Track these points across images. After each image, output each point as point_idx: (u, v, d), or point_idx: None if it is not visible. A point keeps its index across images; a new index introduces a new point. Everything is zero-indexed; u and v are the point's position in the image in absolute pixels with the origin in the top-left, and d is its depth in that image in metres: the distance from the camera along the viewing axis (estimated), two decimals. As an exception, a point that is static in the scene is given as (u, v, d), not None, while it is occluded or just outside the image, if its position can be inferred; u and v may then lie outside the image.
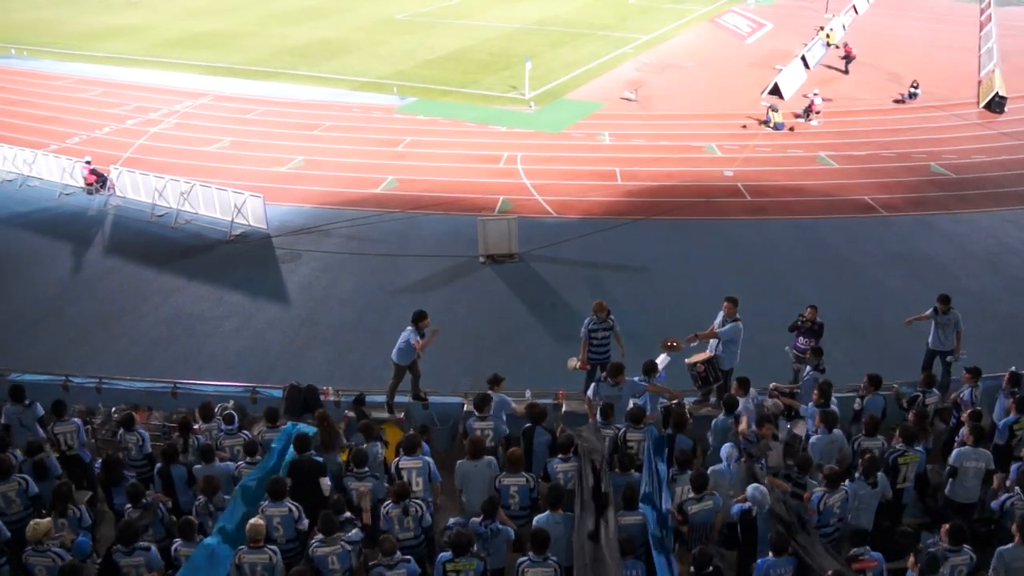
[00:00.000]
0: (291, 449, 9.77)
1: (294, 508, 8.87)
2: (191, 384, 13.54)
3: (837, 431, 10.26)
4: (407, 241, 21.04)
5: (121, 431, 10.82)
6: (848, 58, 36.50)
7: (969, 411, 10.47)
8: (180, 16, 52.06)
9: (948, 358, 13.27)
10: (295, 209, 22.87)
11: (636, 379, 11.31)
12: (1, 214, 23.84)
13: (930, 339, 13.41)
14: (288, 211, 22.68)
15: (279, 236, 21.33)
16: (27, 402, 11.14)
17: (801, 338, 13.36)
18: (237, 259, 20.60)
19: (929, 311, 13.28)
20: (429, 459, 9.74)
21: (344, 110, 31.23)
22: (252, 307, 18.39)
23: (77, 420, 11.16)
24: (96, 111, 32.71)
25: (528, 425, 10.40)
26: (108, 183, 24.30)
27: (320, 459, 9.76)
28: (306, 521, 8.92)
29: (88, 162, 24.73)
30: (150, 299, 18.79)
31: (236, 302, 18.61)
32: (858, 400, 11.35)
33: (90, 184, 24.46)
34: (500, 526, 8.73)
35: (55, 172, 25.12)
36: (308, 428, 10.23)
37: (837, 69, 36.47)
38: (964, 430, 10.08)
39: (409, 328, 12.24)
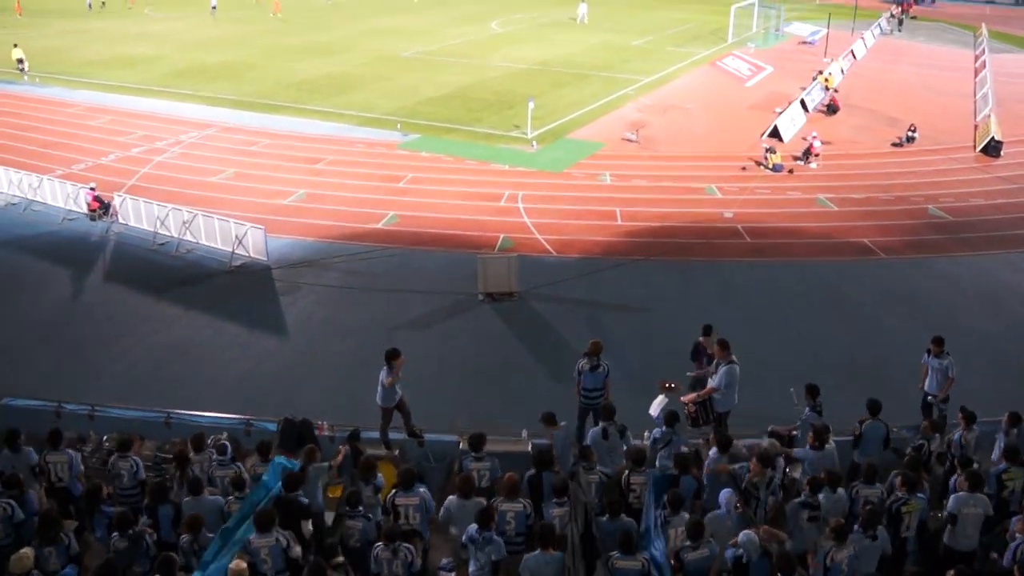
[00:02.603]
0: (279, 484, 9.65)
1: (282, 537, 8.74)
2: (185, 414, 13.45)
3: (841, 491, 9.90)
4: (407, 277, 21.02)
5: (113, 458, 10.69)
6: (832, 108, 36.82)
7: (958, 457, 10.42)
8: (190, 48, 52.81)
9: (929, 397, 13.27)
10: (296, 242, 22.90)
11: (658, 431, 11.26)
12: (4, 237, 23.93)
13: (926, 383, 13.38)
14: (289, 244, 22.71)
15: (279, 268, 21.32)
16: (17, 448, 10.80)
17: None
18: (236, 289, 20.56)
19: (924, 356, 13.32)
20: (424, 491, 9.66)
21: (348, 145, 31.42)
22: (249, 338, 18.33)
23: (71, 452, 10.97)
24: (103, 138, 32.97)
25: (533, 472, 10.18)
26: (111, 210, 24.37)
27: (306, 501, 9.64)
28: (298, 549, 8.80)
29: (92, 188, 24.84)
30: (147, 326, 18.74)
31: (233, 332, 18.56)
32: (857, 425, 11.30)
33: (93, 210, 24.56)
34: (494, 536, 8.70)
35: (59, 197, 25.27)
36: (295, 464, 10.12)
37: (832, 113, 36.77)
38: (959, 476, 9.98)
39: (384, 368, 12.30)
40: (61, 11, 74.40)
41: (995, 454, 11.22)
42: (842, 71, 44.90)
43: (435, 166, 28.95)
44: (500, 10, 71.48)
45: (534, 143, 31.06)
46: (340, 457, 11.01)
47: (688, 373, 14.06)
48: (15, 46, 45.44)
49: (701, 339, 14.19)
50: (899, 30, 63.53)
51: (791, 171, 28.68)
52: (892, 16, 65.97)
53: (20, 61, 44.51)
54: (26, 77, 43.81)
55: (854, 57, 49.73)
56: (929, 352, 13.29)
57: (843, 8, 64.77)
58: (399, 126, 33.33)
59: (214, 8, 72.19)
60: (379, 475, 10.28)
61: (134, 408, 13.74)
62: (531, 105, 32.09)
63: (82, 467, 11.24)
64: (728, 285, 20.62)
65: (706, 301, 19.13)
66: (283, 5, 68.94)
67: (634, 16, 68.11)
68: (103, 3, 77.42)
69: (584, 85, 41.06)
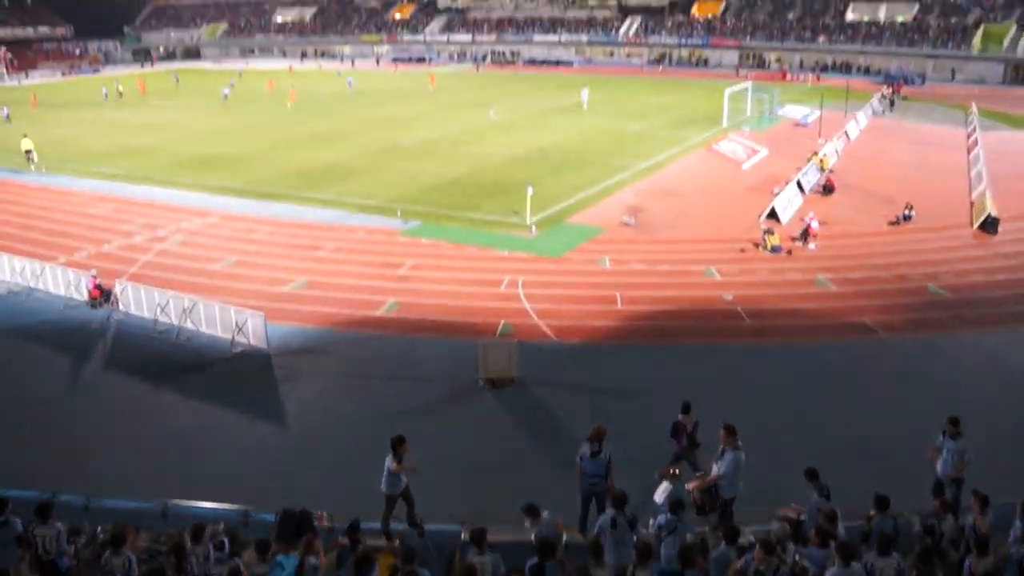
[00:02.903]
0: None
1: None
2: (182, 504, 13.23)
3: (856, 565, 9.55)
4: (407, 364, 20.93)
5: (107, 554, 10.39)
6: (828, 188, 37.30)
7: (973, 541, 10.19)
8: (193, 139, 53.98)
9: (941, 479, 13.03)
10: (296, 329, 22.88)
11: (663, 517, 10.98)
12: (5, 324, 24.01)
13: (939, 465, 13.14)
14: (289, 331, 22.68)
15: (279, 355, 21.25)
16: (3, 519, 10.67)
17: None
18: (236, 377, 20.46)
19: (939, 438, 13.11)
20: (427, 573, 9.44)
21: (348, 232, 31.70)
22: (248, 426, 18.15)
23: (60, 525, 10.69)
24: (106, 226, 33.35)
25: (535, 562, 9.85)
26: (112, 297, 24.49)
27: None
28: None
29: (94, 276, 25.03)
30: (145, 414, 18.58)
31: (233, 421, 18.39)
32: (865, 522, 11.07)
33: (95, 298, 24.68)
34: None
35: (61, 285, 25.52)
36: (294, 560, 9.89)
37: (828, 193, 37.17)
38: (972, 560, 9.74)
39: (389, 455, 12.22)
40: (78, 102, 76.94)
41: (1012, 538, 10.94)
42: (836, 152, 45.68)
43: (435, 252, 29.14)
44: (497, 98, 73.08)
45: (533, 228, 31.31)
46: (335, 552, 10.75)
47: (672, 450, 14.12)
48: (24, 136, 46.62)
49: (680, 417, 14.27)
50: (891, 110, 64.82)
51: (790, 252, 28.85)
52: (883, 97, 67.54)
53: (28, 151, 45.63)
54: (33, 167, 44.77)
55: (848, 138, 50.65)
56: (944, 433, 13.07)
57: (835, 90, 66.24)
58: (399, 213, 33.67)
59: (226, 96, 74.35)
60: (375, 568, 10.02)
61: (130, 498, 13.52)
62: (529, 191, 32.46)
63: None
64: (730, 368, 20.50)
65: (708, 384, 18.99)
66: (309, 93, 71.12)
67: (629, 102, 69.56)
68: (120, 93, 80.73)
69: (581, 170, 41.66)
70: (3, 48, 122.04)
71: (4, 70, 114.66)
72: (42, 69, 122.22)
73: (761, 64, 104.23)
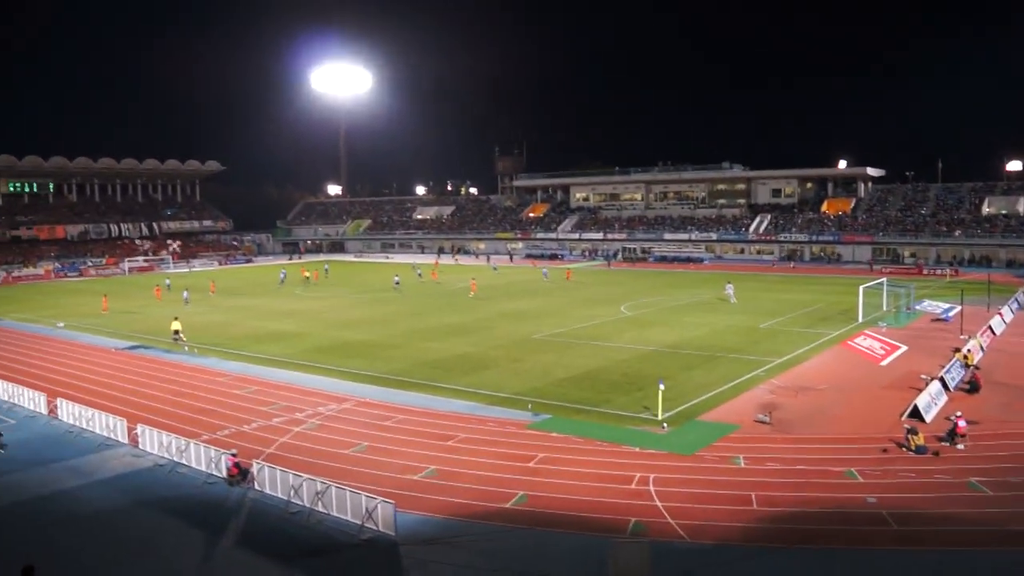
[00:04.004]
0: None
1: None
2: None
3: None
4: (535, 559, 20.35)
5: None
6: (974, 385, 35.30)
7: None
8: (334, 326, 56.83)
9: None
10: (425, 518, 22.80)
11: None
12: (147, 497, 25.01)
13: None
14: (418, 520, 22.62)
15: (407, 544, 21.12)
16: None
17: None
18: (362, 564, 20.38)
19: None
20: None
21: (479, 423, 31.94)
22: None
23: None
24: (248, 407, 34.88)
25: None
26: (249, 476, 25.26)
27: None
28: None
29: (234, 454, 26.09)
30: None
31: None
32: None
33: (233, 476, 25.50)
34: None
35: (203, 461, 26.61)
36: None
37: (974, 391, 35.16)
38: None
39: None
40: (254, 287, 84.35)
41: None
42: (982, 347, 43.52)
43: (565, 446, 28.88)
44: (629, 294, 74.11)
45: (664, 425, 30.78)
46: None
47: None
48: (175, 319, 52.26)
49: None
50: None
51: (936, 453, 27.17)
52: (1029, 290, 64.78)
53: (176, 332, 50.64)
54: (186, 348, 48.19)
55: (993, 333, 48.32)
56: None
57: (976, 284, 64.23)
58: (530, 406, 33.84)
59: (397, 283, 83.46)
60: None
61: None
62: (661, 387, 32.18)
63: None
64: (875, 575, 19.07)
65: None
66: (445, 291, 75.67)
67: (761, 298, 69.20)
68: (307, 278, 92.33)
69: (714, 367, 41.15)
70: (177, 241, 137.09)
71: (171, 259, 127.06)
72: (202, 258, 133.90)
73: (895, 259, 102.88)
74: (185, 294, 75.11)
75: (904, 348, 44.30)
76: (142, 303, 75.06)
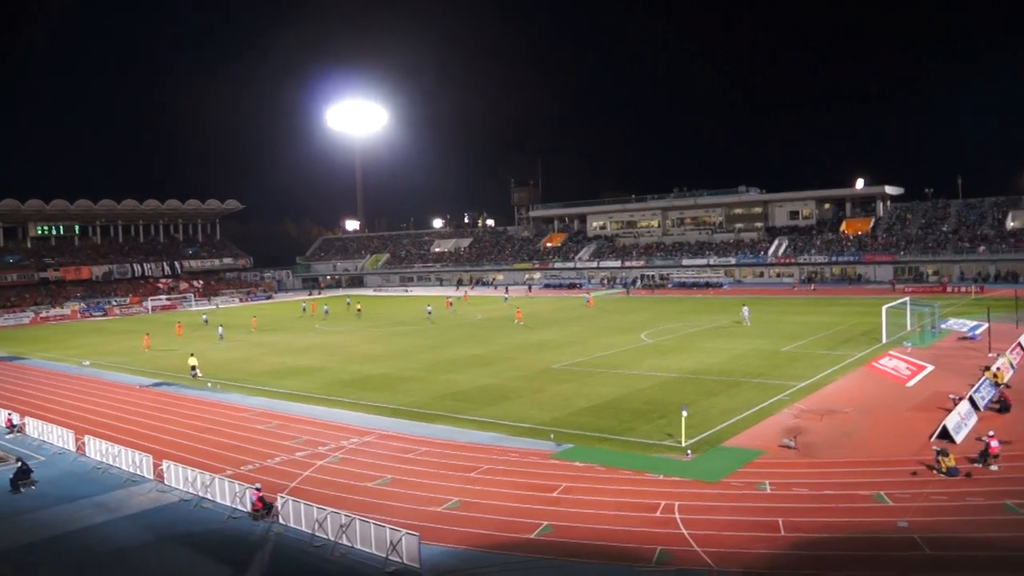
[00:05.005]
0: None
1: None
2: None
3: None
4: (560, 589, 20.33)
5: None
6: (1005, 404, 34.81)
7: None
8: (355, 360, 57.08)
9: None
10: (450, 550, 22.74)
11: None
12: (173, 532, 25.24)
13: None
14: (443, 552, 22.57)
15: (431, 576, 21.14)
16: None
17: None
18: (388, 599, 20.37)
19: None
20: None
21: (501, 454, 31.89)
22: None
23: None
24: (271, 441, 35.12)
25: None
26: (273, 511, 25.37)
27: None
28: None
29: (258, 489, 26.24)
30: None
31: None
32: None
33: (257, 510, 25.65)
34: None
35: (228, 496, 26.85)
36: None
37: (1004, 410, 34.63)
38: None
39: None
40: (291, 322, 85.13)
41: None
42: (1011, 365, 42.72)
43: (588, 476, 28.76)
44: (649, 321, 73.94)
45: (689, 452, 30.60)
46: None
47: None
48: (191, 355, 54.39)
49: None
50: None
51: (968, 475, 26.73)
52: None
53: (193, 368, 52.74)
54: (209, 384, 49.21)
55: (1023, 350, 47.64)
56: None
57: (1002, 300, 63.36)
58: (552, 436, 33.75)
59: (430, 313, 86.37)
60: None
61: None
62: (684, 413, 32.05)
63: None
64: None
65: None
66: (464, 323, 76.26)
67: (781, 321, 68.84)
68: (357, 311, 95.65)
69: (737, 392, 40.91)
70: (198, 279, 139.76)
71: (193, 296, 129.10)
72: (223, 295, 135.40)
73: (918, 278, 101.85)
74: (220, 330, 76.46)
75: (930, 368, 43.87)
76: (172, 340, 75.84)
